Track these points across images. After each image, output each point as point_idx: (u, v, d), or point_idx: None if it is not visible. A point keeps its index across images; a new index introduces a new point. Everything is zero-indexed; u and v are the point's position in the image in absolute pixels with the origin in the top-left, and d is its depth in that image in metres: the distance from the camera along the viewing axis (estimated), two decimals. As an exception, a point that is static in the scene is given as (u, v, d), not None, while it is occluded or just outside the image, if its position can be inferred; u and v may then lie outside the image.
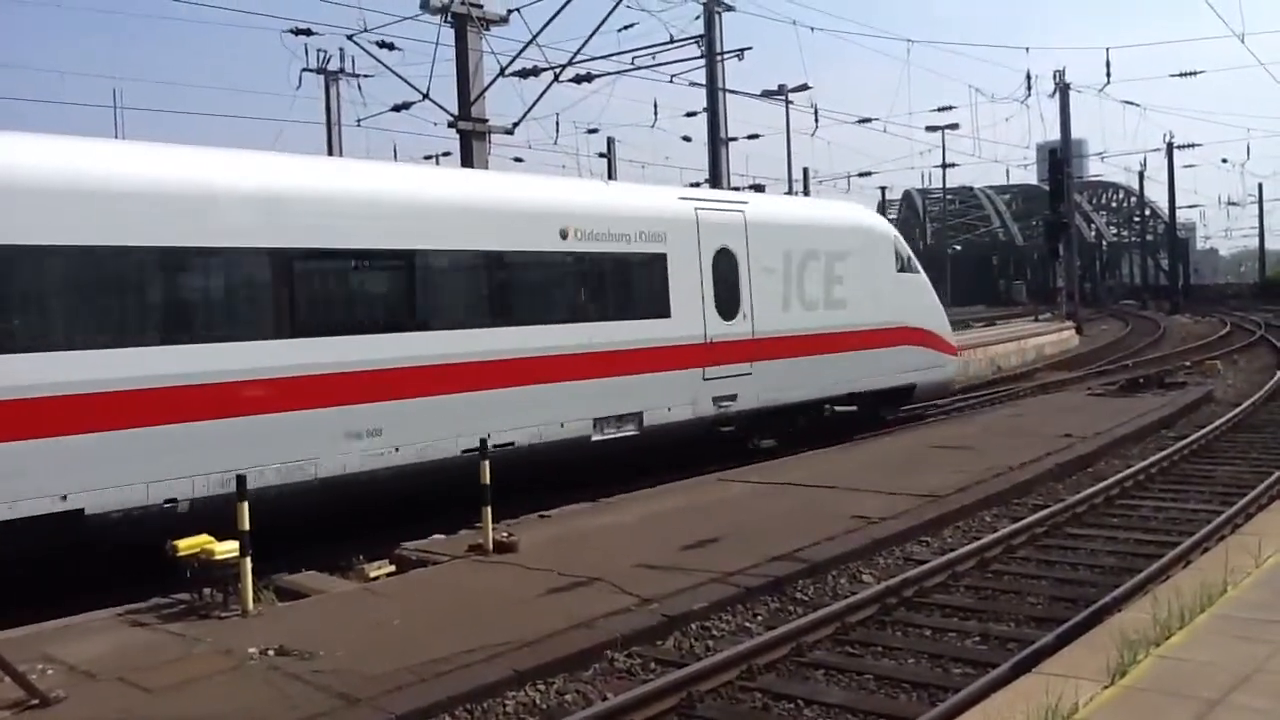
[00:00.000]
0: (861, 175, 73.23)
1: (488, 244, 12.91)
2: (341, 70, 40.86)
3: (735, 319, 15.91)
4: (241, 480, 9.20)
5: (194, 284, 10.71)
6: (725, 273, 15.82)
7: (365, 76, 36.84)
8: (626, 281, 14.76)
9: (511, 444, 12.70)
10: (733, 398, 15.70)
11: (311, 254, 11.36)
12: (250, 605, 9.04)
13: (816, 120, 41.86)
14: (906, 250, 20.19)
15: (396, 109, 32.21)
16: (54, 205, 9.61)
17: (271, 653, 7.95)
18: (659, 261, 14.87)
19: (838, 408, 18.58)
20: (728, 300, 15.79)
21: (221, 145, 11.90)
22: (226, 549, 9.07)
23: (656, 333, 14.66)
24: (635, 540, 11.17)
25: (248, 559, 9.06)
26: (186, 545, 9.15)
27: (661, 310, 14.82)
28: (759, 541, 10.88)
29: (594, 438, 13.75)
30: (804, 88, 38.70)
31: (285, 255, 11.02)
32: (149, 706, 7.03)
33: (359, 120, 37.57)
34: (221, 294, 10.90)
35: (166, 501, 10.12)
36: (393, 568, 10.65)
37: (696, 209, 15.73)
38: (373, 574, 10.40)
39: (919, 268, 20.66)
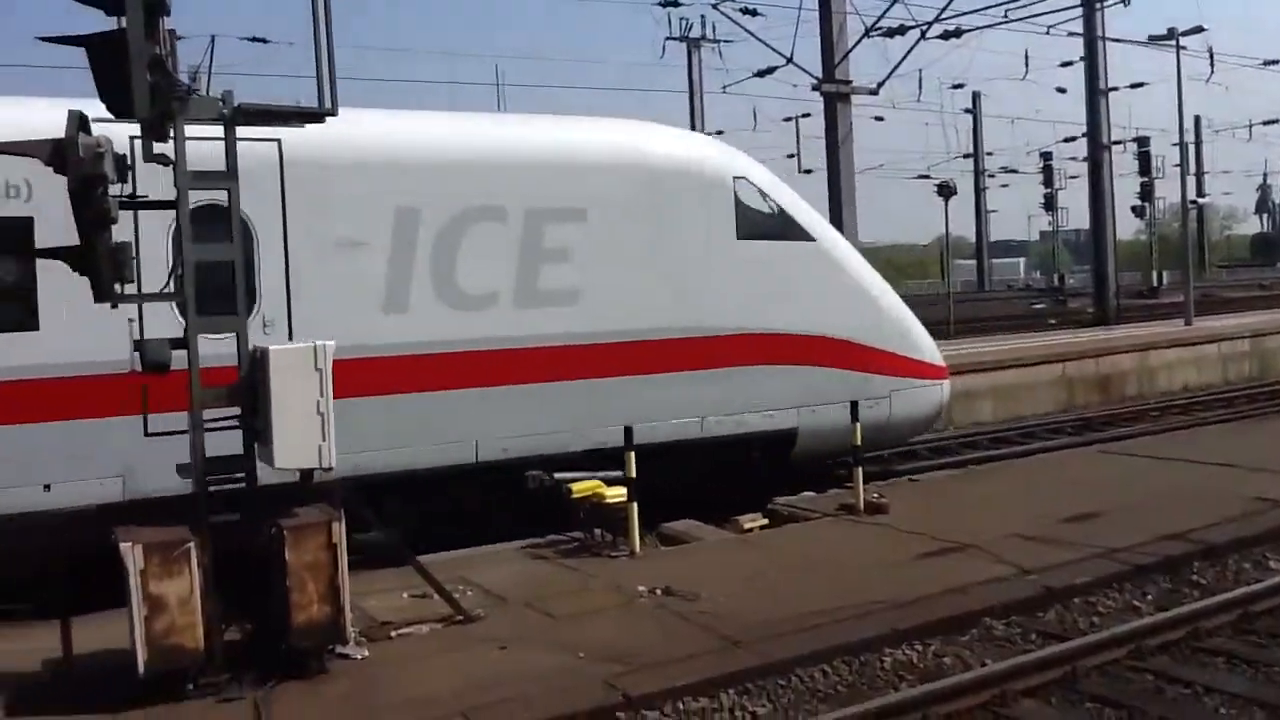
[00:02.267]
0: (1267, 123, 65.83)
1: None
2: (703, 37, 41.98)
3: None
4: (629, 431, 9.86)
5: None
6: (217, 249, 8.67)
7: (728, 42, 37.54)
8: None
9: None
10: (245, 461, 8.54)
11: None
12: (637, 547, 9.70)
13: (1212, 65, 38.02)
14: (781, 200, 12.06)
15: (760, 74, 32.61)
16: None
17: (659, 592, 8.51)
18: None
19: (563, 474, 10.38)
20: (220, 295, 8.49)
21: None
22: (615, 494, 9.77)
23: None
24: (1010, 509, 10.88)
25: (634, 504, 9.71)
26: (580, 489, 9.94)
27: (26, 318, 8.98)
28: (1146, 518, 10.27)
29: None
30: (1197, 30, 35.22)
31: None
32: (554, 631, 7.75)
33: (724, 87, 38.37)
34: None
35: None
36: (765, 521, 11.02)
37: (134, 139, 7.44)
38: (747, 525, 10.81)
39: (819, 232, 12.34)
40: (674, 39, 40.88)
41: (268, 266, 9.62)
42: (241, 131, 8.48)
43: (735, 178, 11.70)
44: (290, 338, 9.41)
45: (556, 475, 10.40)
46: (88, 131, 6.51)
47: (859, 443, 11.00)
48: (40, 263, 8.62)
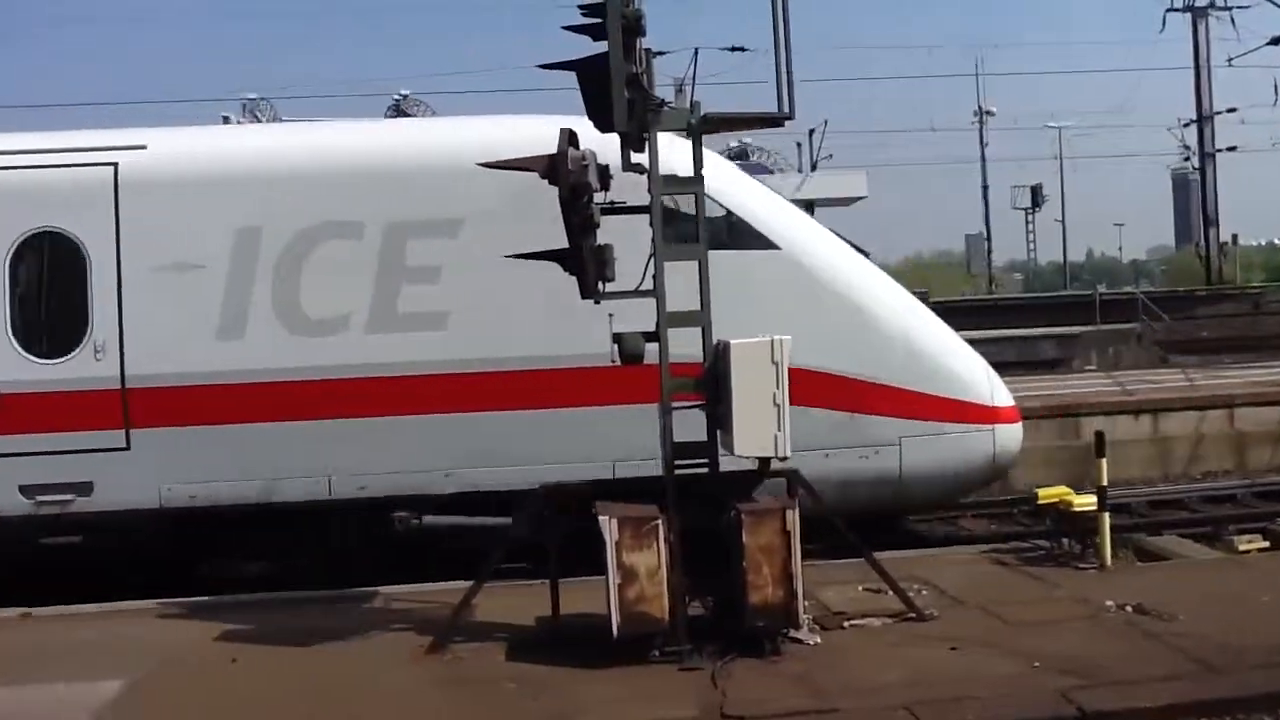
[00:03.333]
0: None
1: None
2: (1211, 5, 38.09)
3: (72, 354, 9.60)
4: (1100, 436, 9.27)
5: None
6: (49, 276, 9.82)
7: (1239, 8, 33.78)
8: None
9: None
10: (81, 488, 9.54)
11: None
12: (1108, 560, 9.09)
13: None
14: (735, 203, 10.00)
15: (1274, 42, 29.08)
16: None
17: (1129, 608, 7.92)
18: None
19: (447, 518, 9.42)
20: (51, 322, 9.78)
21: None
22: (1084, 502, 9.23)
23: None
24: None
25: (1106, 514, 9.12)
26: (1047, 494, 9.51)
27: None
28: None
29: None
30: None
31: None
32: (1009, 637, 7.49)
33: (1229, 59, 34.49)
34: None
35: None
36: (1265, 543, 9.89)
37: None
38: (1242, 547, 9.77)
39: (788, 239, 10.02)
40: (1176, 10, 37.53)
41: (96, 290, 9.62)
42: (59, 160, 9.69)
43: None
44: (120, 366, 9.49)
45: (426, 518, 9.27)
46: (576, 146, 7.30)
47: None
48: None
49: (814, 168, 36.96)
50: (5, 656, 7.89)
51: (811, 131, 40.04)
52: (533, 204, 8.25)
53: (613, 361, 7.68)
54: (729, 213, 9.83)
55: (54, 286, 9.72)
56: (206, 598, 9.17)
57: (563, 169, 7.17)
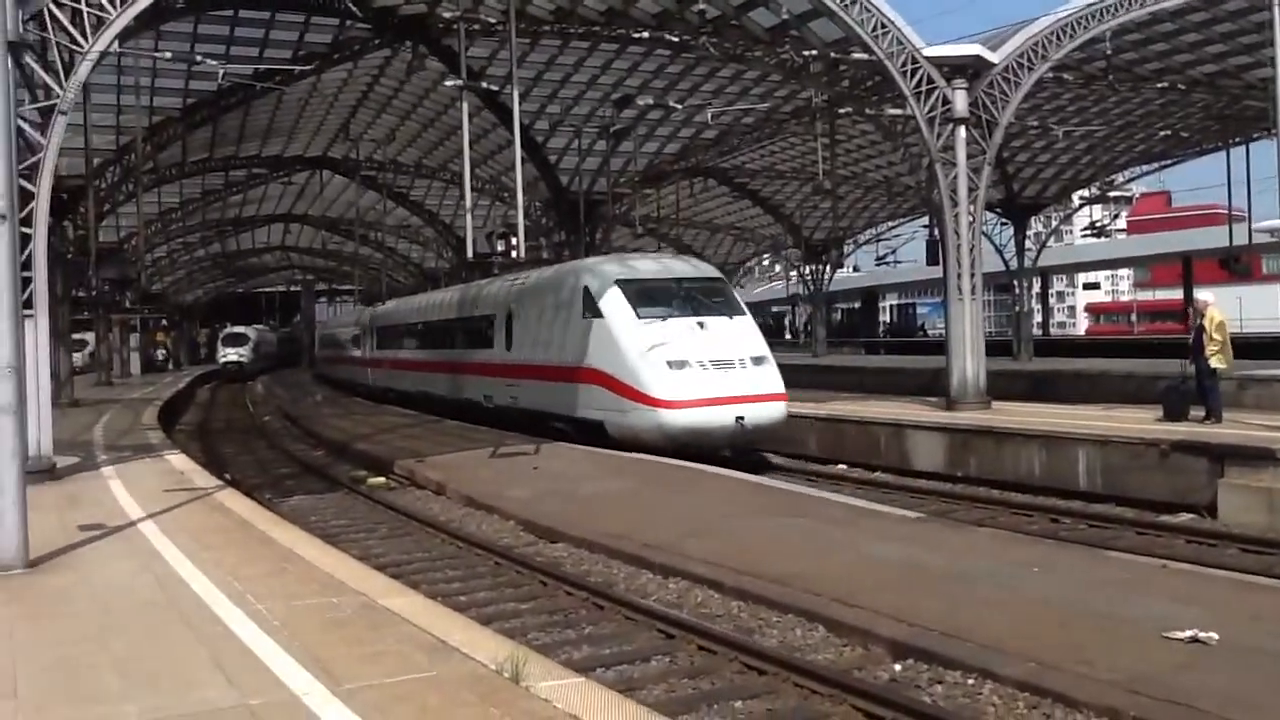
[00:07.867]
0: None
1: (448, 316, 31.29)
2: None
3: (511, 350, 24.80)
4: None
5: None
6: (508, 321, 25.08)
7: None
8: (484, 328, 26.90)
9: (489, 398, 26.27)
10: (516, 399, 24.31)
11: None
12: None
13: None
14: (598, 294, 20.97)
15: None
16: None
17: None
18: (491, 318, 26.47)
19: (558, 424, 22.05)
20: (507, 339, 25.03)
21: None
22: None
23: (490, 356, 26.15)
24: None
25: None
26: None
27: (491, 344, 26.09)
28: None
29: (483, 404, 26.43)
30: None
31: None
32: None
33: None
34: None
35: None
36: None
37: (503, 285, 26.75)
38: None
39: (607, 312, 20.68)
40: None
41: (515, 328, 24.75)
42: (513, 281, 26.95)
43: (584, 286, 21.44)
44: (512, 356, 24.58)
45: (558, 425, 21.83)
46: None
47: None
48: (494, 325, 26.16)
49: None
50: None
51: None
52: (548, 294, 23.35)
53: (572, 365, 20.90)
54: (594, 299, 21.18)
55: (508, 329, 25.10)
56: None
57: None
